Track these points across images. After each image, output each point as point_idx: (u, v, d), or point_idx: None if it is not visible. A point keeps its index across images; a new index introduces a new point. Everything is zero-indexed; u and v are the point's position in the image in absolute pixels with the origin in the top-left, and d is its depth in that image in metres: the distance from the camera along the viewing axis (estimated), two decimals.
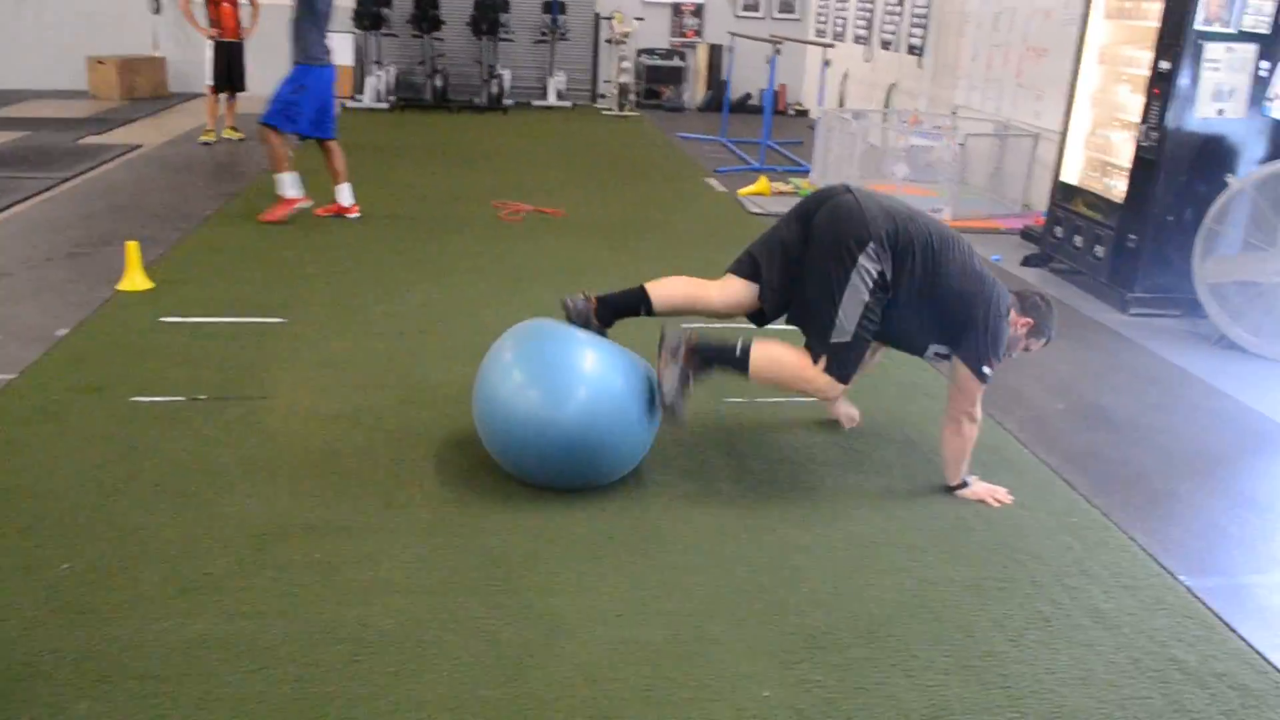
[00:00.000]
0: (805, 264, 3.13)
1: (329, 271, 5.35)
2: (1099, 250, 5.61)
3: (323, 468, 3.23)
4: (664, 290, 3.31)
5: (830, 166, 8.11)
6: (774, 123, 10.03)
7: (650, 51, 13.40)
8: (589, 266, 5.67)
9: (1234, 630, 2.64)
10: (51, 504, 2.94)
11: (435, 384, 3.93)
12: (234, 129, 9.22)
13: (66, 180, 7.30)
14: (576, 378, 3.03)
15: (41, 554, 2.70)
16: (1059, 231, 6.04)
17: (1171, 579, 2.87)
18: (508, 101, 12.40)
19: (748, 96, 13.12)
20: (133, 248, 4.90)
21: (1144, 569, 2.91)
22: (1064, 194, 6.05)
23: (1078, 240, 5.83)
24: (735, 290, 3.29)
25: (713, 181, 8.52)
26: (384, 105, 11.90)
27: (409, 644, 2.40)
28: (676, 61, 13.49)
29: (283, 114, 6.12)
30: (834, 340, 3.05)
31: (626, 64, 12.81)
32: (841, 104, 11.61)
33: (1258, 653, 2.55)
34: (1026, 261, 6.27)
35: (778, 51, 9.67)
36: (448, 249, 5.93)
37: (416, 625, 2.48)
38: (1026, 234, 6.64)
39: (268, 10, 8.95)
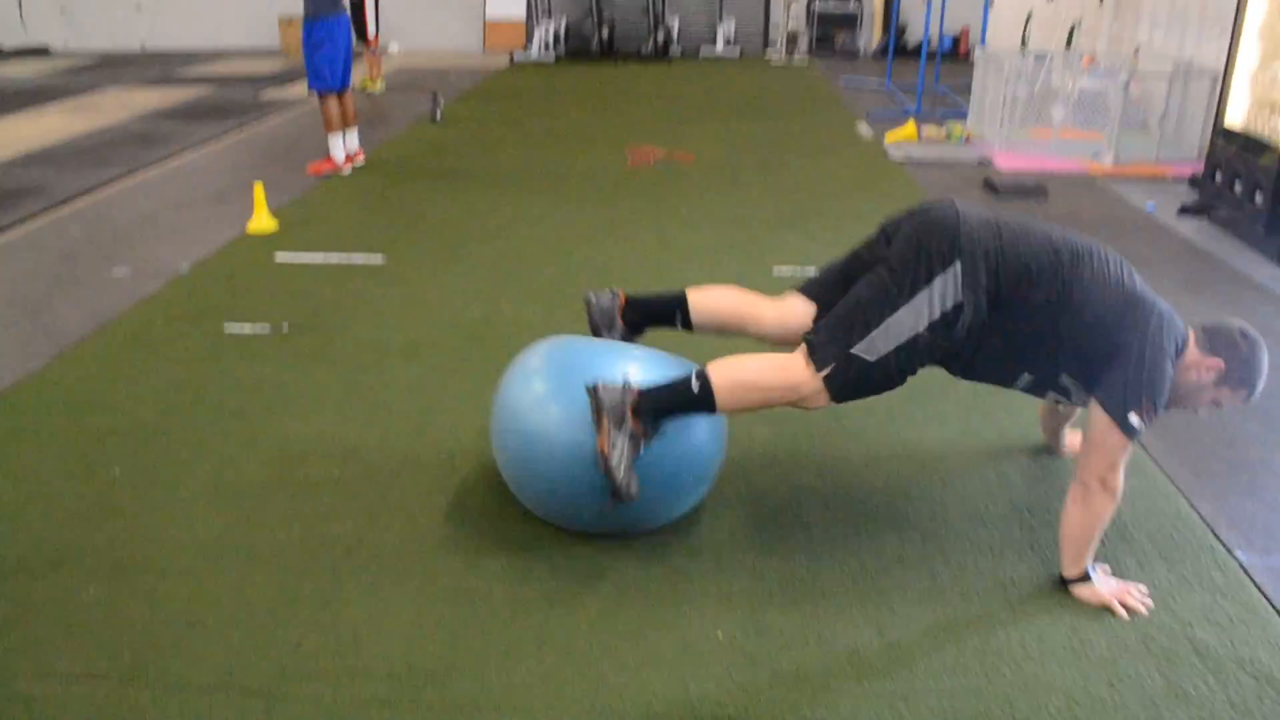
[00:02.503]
0: (871, 269, 2.46)
1: (439, 216, 5.53)
2: (1258, 197, 5.07)
3: (369, 397, 3.38)
4: (707, 300, 2.72)
5: (987, 110, 7.67)
6: (951, 68, 9.56)
7: None
8: (687, 207, 5.62)
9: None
10: (122, 417, 3.22)
11: (507, 321, 4.01)
12: (373, 80, 9.65)
13: (236, 131, 7.84)
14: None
15: (101, 459, 2.97)
16: (1218, 177, 5.49)
17: (1225, 553, 2.60)
18: (674, 51, 12.34)
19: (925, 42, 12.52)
20: (259, 190, 5.23)
21: (1194, 540, 2.65)
22: (1226, 137, 5.49)
23: (1237, 187, 5.28)
24: (793, 310, 2.64)
25: (862, 126, 8.22)
26: (550, 57, 12.09)
27: (407, 553, 2.50)
28: (851, 6, 13.02)
29: (314, 75, 6.26)
30: (854, 350, 2.33)
31: (795, 9, 12.48)
32: (1024, 44, 10.92)
33: None
34: (1183, 210, 5.74)
35: None
36: (563, 194, 6.01)
37: (415, 539, 2.57)
38: (1194, 181, 6.09)
39: None
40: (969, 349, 2.40)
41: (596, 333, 2.73)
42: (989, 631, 2.29)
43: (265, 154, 7.06)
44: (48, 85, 10.37)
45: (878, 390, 2.43)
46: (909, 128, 7.62)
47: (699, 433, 2.50)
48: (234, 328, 3.93)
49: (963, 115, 8.52)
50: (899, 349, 2.33)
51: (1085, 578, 2.39)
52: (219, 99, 9.31)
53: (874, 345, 2.34)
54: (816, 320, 2.55)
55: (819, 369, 2.36)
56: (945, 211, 2.41)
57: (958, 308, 2.32)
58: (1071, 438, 3.01)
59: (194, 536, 2.60)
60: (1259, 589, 2.46)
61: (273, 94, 9.67)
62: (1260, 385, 2.39)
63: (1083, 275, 2.33)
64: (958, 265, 2.31)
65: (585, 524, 2.56)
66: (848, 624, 2.30)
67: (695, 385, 2.38)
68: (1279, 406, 3.44)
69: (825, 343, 2.38)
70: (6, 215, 5.45)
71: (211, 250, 4.88)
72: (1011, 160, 6.94)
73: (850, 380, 2.37)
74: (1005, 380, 2.53)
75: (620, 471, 2.30)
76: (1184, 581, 2.48)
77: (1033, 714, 2.05)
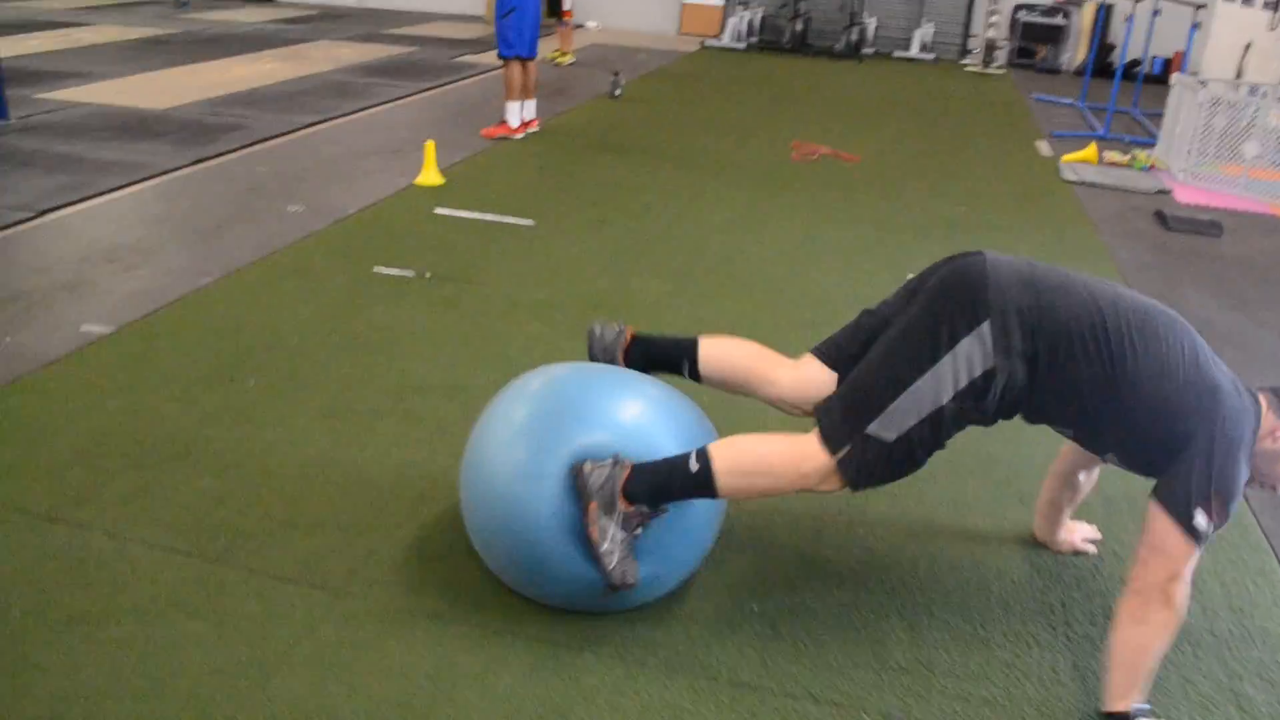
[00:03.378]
0: (889, 330, 2.18)
1: (594, 188, 5.73)
2: None
3: (489, 346, 3.59)
4: (719, 351, 2.44)
5: (1177, 140, 7.29)
6: (1157, 93, 9.13)
7: (1030, 7, 12.54)
8: (839, 206, 5.61)
9: None
10: (267, 335, 3.54)
11: (631, 292, 4.17)
12: (563, 53, 10.00)
13: (426, 90, 8.28)
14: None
15: (241, 370, 3.29)
16: None
17: None
18: (867, 50, 12.20)
19: (1135, 63, 11.92)
20: (430, 147, 5.55)
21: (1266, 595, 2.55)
22: None
23: None
24: (810, 376, 2.33)
25: (1042, 144, 7.96)
26: (741, 45, 12.16)
27: None
28: (1058, 19, 12.51)
29: (502, 42, 6.51)
30: (870, 431, 2.05)
31: (996, 18, 12.11)
32: (1239, 75, 10.27)
33: None
34: None
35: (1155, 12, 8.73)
36: (720, 180, 6.10)
37: None
38: None
39: None
40: (1007, 415, 2.13)
41: None
42: None
43: (447, 114, 7.45)
44: (267, 32, 11.18)
45: (900, 473, 2.13)
46: (1090, 150, 7.32)
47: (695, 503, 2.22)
48: (382, 269, 4.23)
49: (1149, 143, 8.12)
50: (922, 424, 2.04)
51: (1129, 717, 2.00)
52: (416, 59, 9.83)
53: (892, 422, 2.04)
54: (839, 383, 2.27)
55: (832, 453, 2.08)
56: (971, 263, 2.10)
57: (988, 375, 2.01)
58: (1071, 530, 2.64)
59: (303, 449, 2.86)
60: None
61: (467, 58, 10.13)
62: None
63: (1138, 348, 2.00)
64: (986, 326, 2.00)
65: (569, 603, 2.28)
66: None
67: (695, 466, 2.11)
68: None
69: (838, 422, 2.10)
70: (206, 148, 5.98)
71: (379, 198, 5.23)
72: (1192, 194, 6.59)
73: (867, 463, 2.08)
74: (1101, 450, 2.23)
75: (613, 560, 2.07)
76: (1247, 637, 2.40)
77: None
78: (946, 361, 2.01)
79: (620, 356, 2.46)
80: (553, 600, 2.27)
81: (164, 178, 5.39)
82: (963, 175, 6.68)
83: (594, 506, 2.07)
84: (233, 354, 3.40)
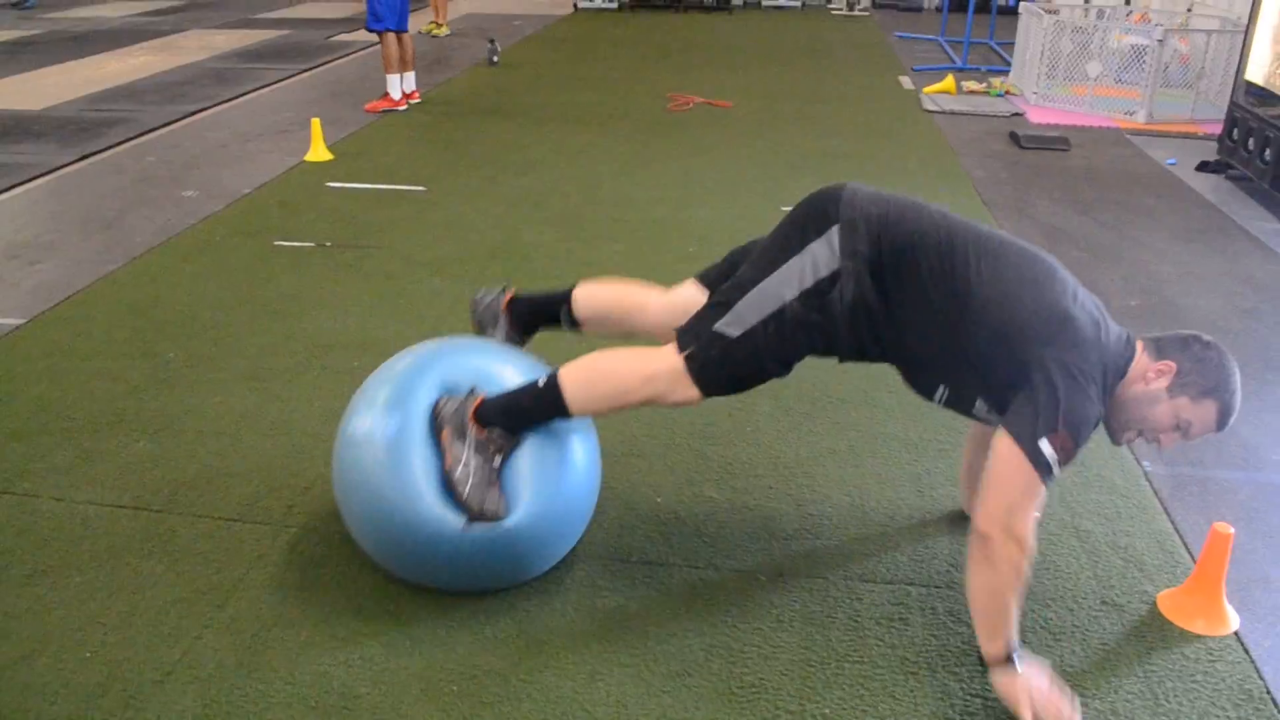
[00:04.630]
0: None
1: (481, 151, 5.92)
2: (1268, 154, 5.20)
3: (394, 302, 3.80)
4: (591, 292, 2.43)
5: (1027, 65, 7.78)
6: (1008, 23, 9.65)
7: None
8: (716, 149, 5.92)
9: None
10: (179, 312, 3.70)
11: (525, 243, 4.41)
12: (437, 24, 10.11)
13: (305, 71, 8.32)
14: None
15: (159, 345, 3.45)
16: (1236, 134, 5.62)
17: (1133, 462, 2.88)
18: (736, 2, 12.52)
19: None
20: (316, 124, 5.68)
21: (1105, 450, 2.94)
22: (1247, 93, 5.60)
23: (1251, 143, 5.41)
24: (685, 297, 2.30)
25: (904, 79, 8.39)
26: (613, 5, 12.37)
27: None
28: None
29: (372, 16, 6.63)
30: (717, 326, 2.04)
31: None
32: (1086, 1, 10.87)
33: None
34: (1201, 167, 5.86)
35: None
36: (601, 134, 6.35)
37: None
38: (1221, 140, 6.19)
39: None
40: (865, 342, 2.07)
41: (481, 331, 2.52)
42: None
43: (329, 93, 7.52)
44: (136, 25, 10.97)
45: (748, 377, 2.11)
46: (947, 81, 7.77)
47: (572, 462, 2.24)
48: (283, 243, 4.38)
49: (1004, 71, 8.62)
50: (765, 321, 2.01)
51: (1008, 661, 1.93)
52: (292, 41, 9.80)
53: (739, 318, 2.02)
54: None
55: (680, 350, 2.06)
56: (832, 187, 2.13)
57: (833, 276, 1.99)
58: None
59: (230, 407, 3.05)
60: (1155, 493, 2.75)
61: (343, 37, 10.14)
62: (1233, 399, 1.97)
63: (984, 272, 1.96)
64: (834, 230, 2.01)
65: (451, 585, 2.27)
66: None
67: (543, 383, 2.12)
68: (1242, 343, 3.66)
69: (691, 324, 2.09)
70: (93, 143, 5.99)
71: (271, 177, 5.34)
72: (1043, 115, 7.08)
73: (712, 360, 2.04)
74: (924, 390, 2.16)
75: (467, 488, 2.05)
76: (1086, 483, 2.78)
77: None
78: (794, 261, 2.02)
79: (504, 317, 2.47)
80: (439, 577, 2.24)
81: (53, 175, 5.41)
82: (829, 113, 7.05)
83: (447, 432, 2.08)
84: (149, 331, 3.55)
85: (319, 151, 5.67)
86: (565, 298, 2.42)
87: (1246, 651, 2.19)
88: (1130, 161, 6.02)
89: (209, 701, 1.98)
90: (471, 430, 2.10)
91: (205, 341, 3.48)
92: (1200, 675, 2.12)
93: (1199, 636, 2.23)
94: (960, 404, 2.12)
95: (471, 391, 2.16)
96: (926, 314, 1.98)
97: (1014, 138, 6.38)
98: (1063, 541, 2.52)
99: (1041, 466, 1.82)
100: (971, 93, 7.79)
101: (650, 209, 4.88)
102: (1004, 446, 1.86)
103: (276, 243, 4.39)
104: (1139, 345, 2.02)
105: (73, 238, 4.48)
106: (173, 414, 3.02)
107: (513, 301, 2.48)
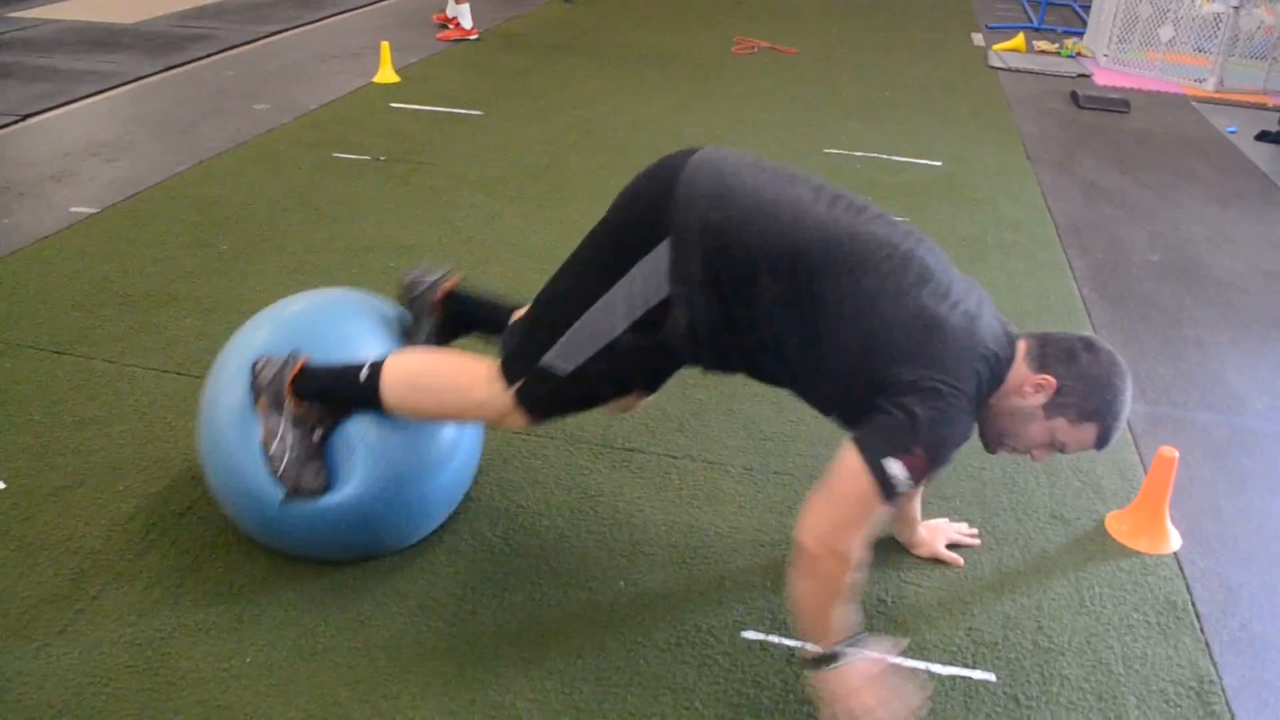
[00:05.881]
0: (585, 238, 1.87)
1: (541, 83, 6.10)
2: None
3: (435, 213, 4.03)
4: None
5: (1101, 27, 7.67)
6: None
7: None
8: (772, 91, 6.01)
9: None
10: (237, 210, 3.98)
11: (569, 168, 4.61)
12: None
13: (382, 0, 8.58)
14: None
15: (215, 238, 3.73)
16: None
17: None
18: None
19: None
20: (385, 48, 5.91)
21: None
22: None
23: None
24: None
25: (976, 36, 8.32)
26: None
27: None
28: None
29: None
30: (544, 362, 1.82)
31: None
32: None
33: None
34: (1261, 136, 5.78)
35: None
36: (661, 72, 6.48)
37: None
38: None
39: None
40: (717, 359, 1.82)
41: (413, 321, 2.25)
42: None
43: (407, 20, 7.76)
44: None
45: (584, 406, 1.95)
46: (1018, 40, 7.70)
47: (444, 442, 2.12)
48: (341, 155, 4.64)
49: (1080, 33, 8.49)
50: (598, 356, 1.78)
51: (831, 659, 1.67)
52: None
53: (567, 352, 1.79)
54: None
55: (509, 383, 1.86)
56: (668, 165, 1.78)
57: (664, 304, 1.72)
58: (934, 531, 2.30)
59: (272, 295, 3.24)
60: (1129, 426, 2.85)
61: None
62: (1115, 422, 1.71)
63: (844, 288, 1.65)
64: (664, 246, 1.70)
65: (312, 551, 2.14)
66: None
67: (365, 373, 1.94)
68: (1235, 297, 3.71)
69: (516, 351, 1.87)
70: (176, 57, 6.31)
71: (339, 95, 5.60)
72: (1110, 77, 7.00)
73: (545, 397, 1.86)
74: (819, 408, 1.85)
75: (282, 465, 1.93)
76: None
77: None
78: (620, 288, 1.73)
79: (437, 303, 2.22)
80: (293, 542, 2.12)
81: (136, 84, 5.74)
82: (893, 66, 7.06)
83: (263, 402, 1.95)
84: (207, 225, 3.83)
85: (387, 74, 5.91)
86: (513, 309, 2.12)
87: (1181, 570, 2.32)
88: (1188, 127, 5.96)
89: (224, 529, 2.24)
90: (289, 403, 1.94)
91: (256, 238, 3.75)
92: (1130, 585, 2.26)
93: (1138, 553, 2.36)
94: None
95: (291, 355, 1.98)
96: (775, 338, 1.71)
97: (1074, 97, 6.35)
98: (1024, 461, 2.66)
99: (885, 487, 1.56)
100: (1042, 52, 7.71)
101: (694, 142, 5.01)
102: (849, 457, 1.59)
103: (335, 155, 4.64)
104: (1022, 346, 1.74)
105: (148, 140, 4.79)
106: (220, 297, 3.29)
107: (450, 296, 2.21)
